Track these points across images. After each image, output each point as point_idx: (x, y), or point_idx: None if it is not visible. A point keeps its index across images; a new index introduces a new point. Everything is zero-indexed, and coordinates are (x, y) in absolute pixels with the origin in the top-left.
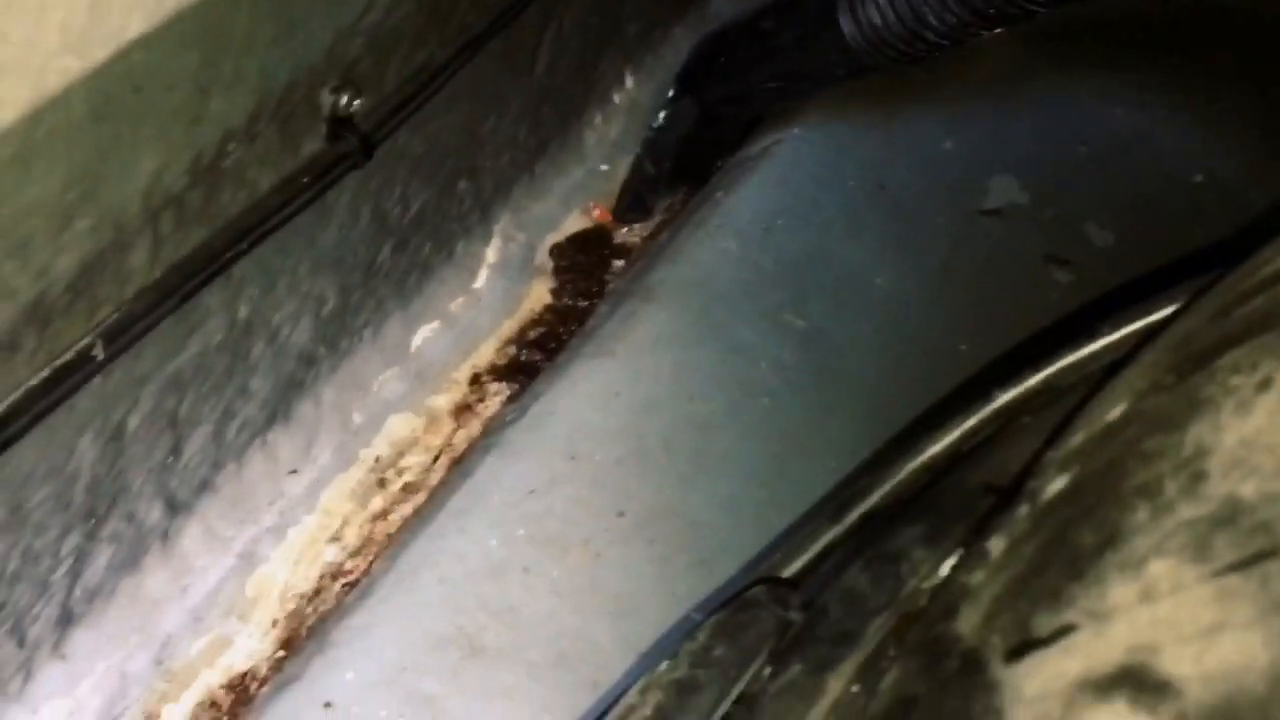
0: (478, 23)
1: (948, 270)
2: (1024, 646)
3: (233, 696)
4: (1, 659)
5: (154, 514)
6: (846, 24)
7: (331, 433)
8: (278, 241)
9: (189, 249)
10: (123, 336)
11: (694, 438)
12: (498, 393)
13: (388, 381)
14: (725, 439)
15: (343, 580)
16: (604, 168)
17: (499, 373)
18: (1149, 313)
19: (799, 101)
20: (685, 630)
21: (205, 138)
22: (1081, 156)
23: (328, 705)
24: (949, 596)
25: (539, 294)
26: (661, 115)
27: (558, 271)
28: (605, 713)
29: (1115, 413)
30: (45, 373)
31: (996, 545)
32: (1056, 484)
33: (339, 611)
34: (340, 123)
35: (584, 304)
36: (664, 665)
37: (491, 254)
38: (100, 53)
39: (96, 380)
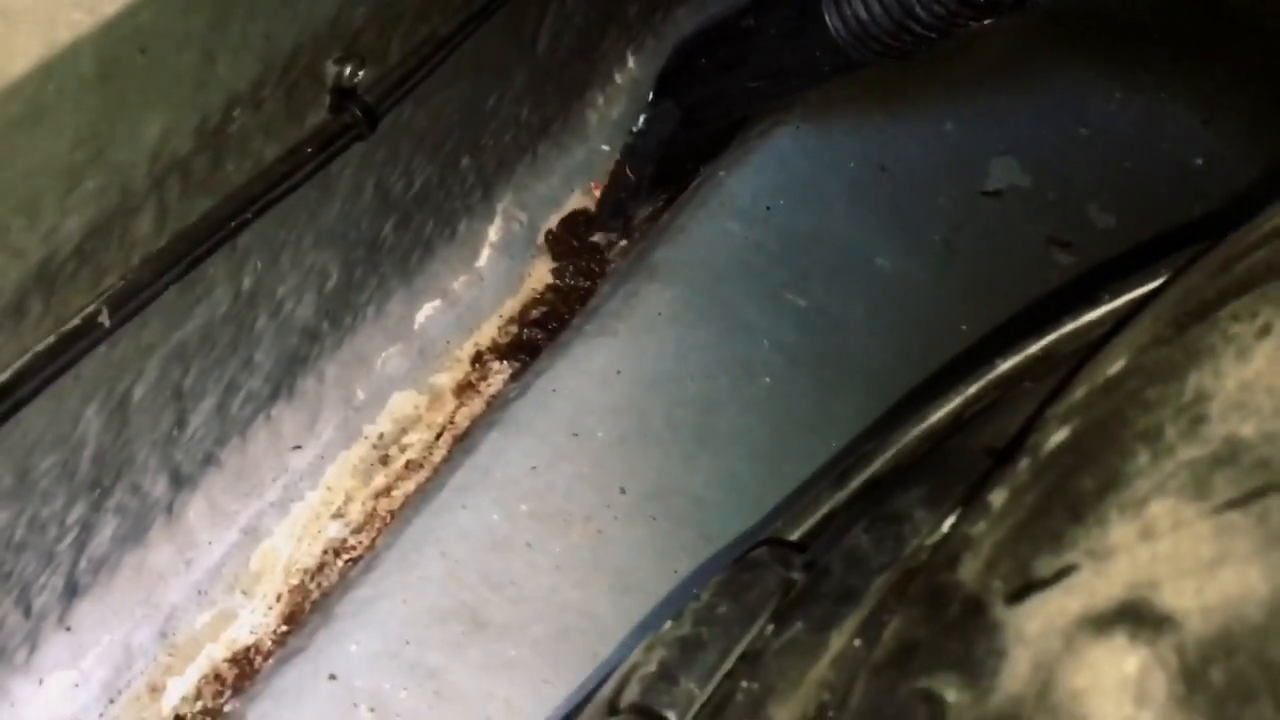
0: None
1: (949, 251)
2: (1025, 589)
3: (237, 670)
4: (8, 629)
5: (159, 486)
6: (831, 18)
7: (335, 409)
8: (282, 213)
9: (194, 217)
10: (129, 304)
11: (695, 415)
12: (500, 371)
13: (391, 358)
14: (726, 417)
15: (346, 556)
16: (605, 148)
17: (501, 351)
18: (1151, 279)
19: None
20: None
21: (211, 102)
22: (1083, 139)
23: (332, 677)
24: (950, 548)
25: (541, 273)
26: (641, 119)
27: (560, 250)
28: (608, 676)
29: (1116, 367)
30: (51, 339)
31: (998, 497)
32: (1057, 436)
33: (343, 585)
34: (344, 94)
35: (586, 283)
36: (668, 624)
37: (494, 233)
38: (109, 7)
39: (102, 348)
